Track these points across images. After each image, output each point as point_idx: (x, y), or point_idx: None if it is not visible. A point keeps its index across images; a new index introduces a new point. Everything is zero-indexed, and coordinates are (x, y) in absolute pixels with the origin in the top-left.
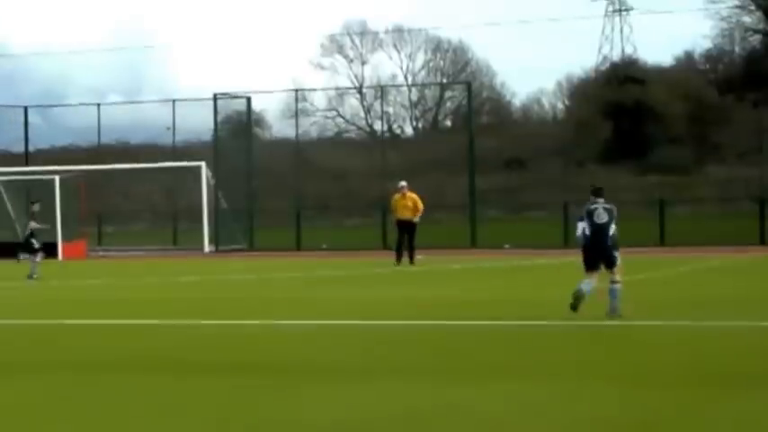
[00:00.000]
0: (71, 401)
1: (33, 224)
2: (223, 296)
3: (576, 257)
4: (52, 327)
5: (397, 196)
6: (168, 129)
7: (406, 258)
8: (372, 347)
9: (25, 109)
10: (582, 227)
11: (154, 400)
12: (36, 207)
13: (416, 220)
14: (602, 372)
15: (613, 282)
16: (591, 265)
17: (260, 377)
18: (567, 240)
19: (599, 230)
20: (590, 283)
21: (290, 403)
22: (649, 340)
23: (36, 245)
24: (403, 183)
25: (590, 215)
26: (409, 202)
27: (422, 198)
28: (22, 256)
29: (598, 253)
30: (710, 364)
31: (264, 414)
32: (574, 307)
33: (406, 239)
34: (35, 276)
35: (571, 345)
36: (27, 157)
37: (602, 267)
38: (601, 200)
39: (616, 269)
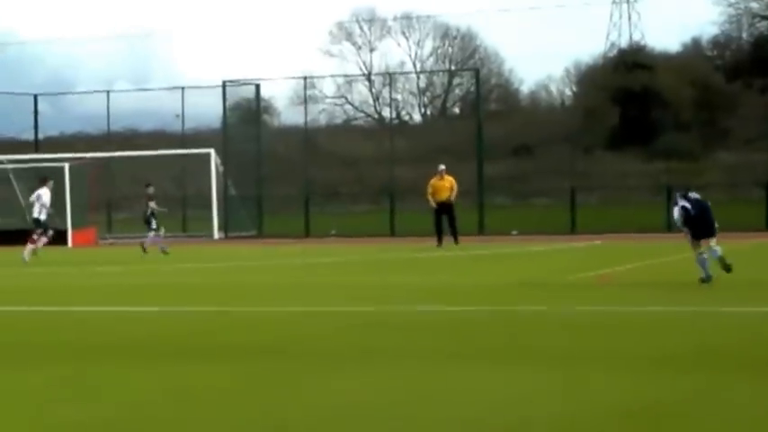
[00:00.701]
0: (76, 387)
1: (153, 205)
2: (231, 282)
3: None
4: (58, 313)
5: (435, 178)
6: (177, 116)
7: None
8: (377, 332)
9: (35, 97)
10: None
11: (158, 385)
12: (151, 189)
13: (453, 198)
14: (609, 357)
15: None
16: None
17: (267, 362)
18: (574, 226)
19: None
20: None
21: (298, 387)
22: (658, 325)
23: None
24: (442, 166)
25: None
26: (447, 184)
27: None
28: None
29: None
30: (719, 349)
31: (271, 398)
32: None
33: (445, 221)
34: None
35: (579, 330)
36: (36, 145)
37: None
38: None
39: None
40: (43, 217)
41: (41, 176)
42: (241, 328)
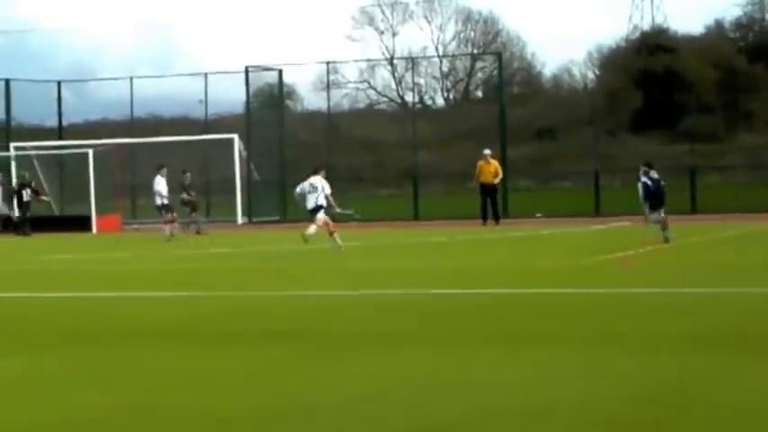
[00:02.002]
0: (100, 372)
1: (185, 196)
2: (253, 267)
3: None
4: (83, 299)
5: (481, 162)
6: (201, 102)
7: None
8: (399, 316)
9: (58, 84)
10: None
11: (180, 371)
12: (188, 177)
13: (497, 182)
14: (633, 338)
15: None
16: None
17: (290, 346)
18: (598, 209)
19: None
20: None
21: (321, 371)
22: (681, 306)
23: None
24: (487, 151)
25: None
26: (492, 168)
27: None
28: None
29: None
30: (742, 330)
31: (294, 383)
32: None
33: (489, 202)
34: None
35: (603, 312)
36: (60, 132)
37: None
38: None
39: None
40: (166, 201)
41: (159, 164)
42: (264, 313)
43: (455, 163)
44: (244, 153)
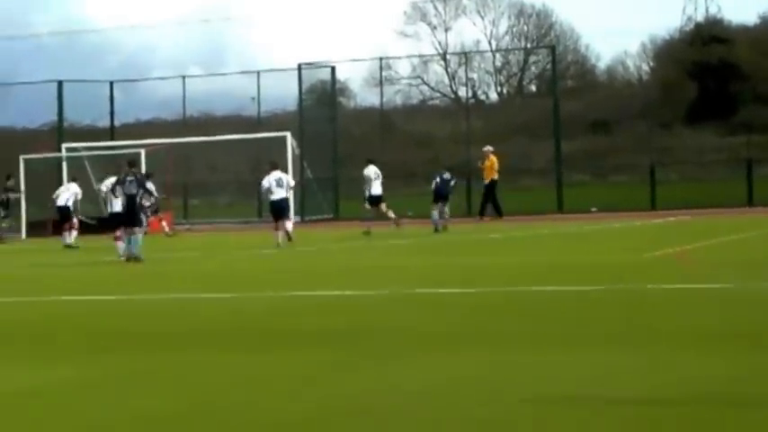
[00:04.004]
0: (146, 378)
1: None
2: (308, 266)
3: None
4: (129, 302)
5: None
6: (253, 99)
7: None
8: (457, 315)
9: (110, 84)
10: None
11: (233, 373)
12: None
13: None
14: (691, 334)
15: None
16: None
17: (346, 346)
18: (654, 203)
19: None
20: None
21: (376, 373)
22: (740, 302)
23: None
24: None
25: None
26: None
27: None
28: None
29: None
30: None
31: (352, 383)
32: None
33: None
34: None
35: (660, 308)
36: (112, 132)
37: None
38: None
39: None
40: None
41: (271, 161)
42: (319, 312)
43: (509, 157)
44: (297, 151)
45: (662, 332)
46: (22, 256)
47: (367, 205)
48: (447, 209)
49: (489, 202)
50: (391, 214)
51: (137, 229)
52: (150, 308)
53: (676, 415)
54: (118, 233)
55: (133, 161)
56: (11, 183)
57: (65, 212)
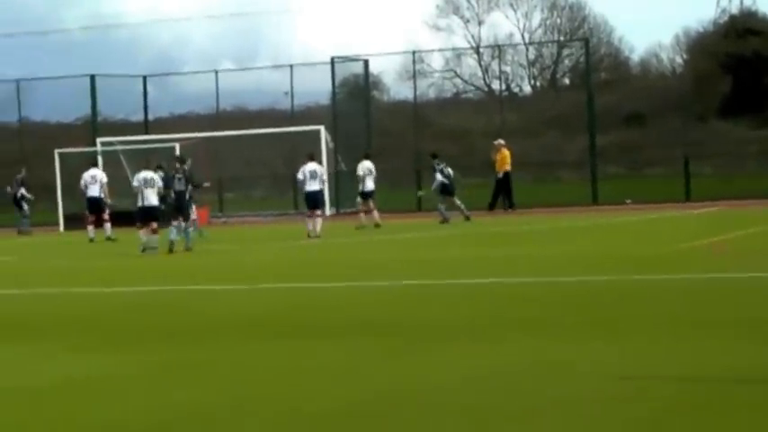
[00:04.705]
0: (186, 368)
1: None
2: (342, 258)
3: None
4: (169, 293)
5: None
6: (286, 93)
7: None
8: (493, 305)
9: (144, 78)
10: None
11: (272, 364)
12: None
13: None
14: (725, 323)
15: None
16: None
17: (379, 336)
18: (688, 195)
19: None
20: None
21: (411, 363)
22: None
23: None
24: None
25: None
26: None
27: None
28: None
29: None
30: None
31: (385, 374)
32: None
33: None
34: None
35: (693, 297)
36: (147, 126)
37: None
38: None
39: None
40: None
41: (309, 153)
42: (359, 303)
43: (543, 151)
44: (331, 144)
45: (695, 320)
46: (68, 249)
47: (359, 199)
48: (459, 201)
49: (502, 195)
50: (376, 214)
51: (187, 222)
52: (191, 300)
53: (708, 402)
54: (155, 225)
55: (182, 158)
56: (21, 176)
57: (96, 204)
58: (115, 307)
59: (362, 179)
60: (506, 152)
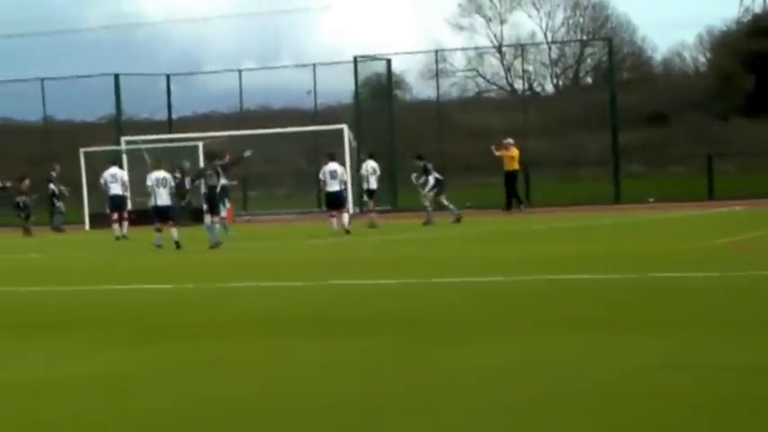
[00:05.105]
0: (214, 363)
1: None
2: (366, 256)
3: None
4: (205, 290)
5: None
6: (309, 93)
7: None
8: (514, 302)
9: (167, 77)
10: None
11: (297, 359)
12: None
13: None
14: (747, 322)
15: None
16: None
17: (406, 333)
18: (711, 193)
19: None
20: None
21: (435, 358)
22: None
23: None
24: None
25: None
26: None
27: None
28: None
29: None
30: None
31: (409, 369)
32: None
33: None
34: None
35: (715, 295)
36: (170, 125)
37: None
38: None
39: None
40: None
41: (329, 152)
42: (376, 300)
43: (565, 150)
44: (354, 143)
45: (717, 317)
46: (96, 246)
47: (366, 198)
48: (448, 202)
49: (508, 194)
50: (374, 215)
51: (216, 218)
52: (218, 296)
53: (727, 400)
54: (171, 223)
55: (213, 154)
56: (53, 174)
57: (118, 202)
58: (143, 303)
59: (366, 178)
60: (515, 151)
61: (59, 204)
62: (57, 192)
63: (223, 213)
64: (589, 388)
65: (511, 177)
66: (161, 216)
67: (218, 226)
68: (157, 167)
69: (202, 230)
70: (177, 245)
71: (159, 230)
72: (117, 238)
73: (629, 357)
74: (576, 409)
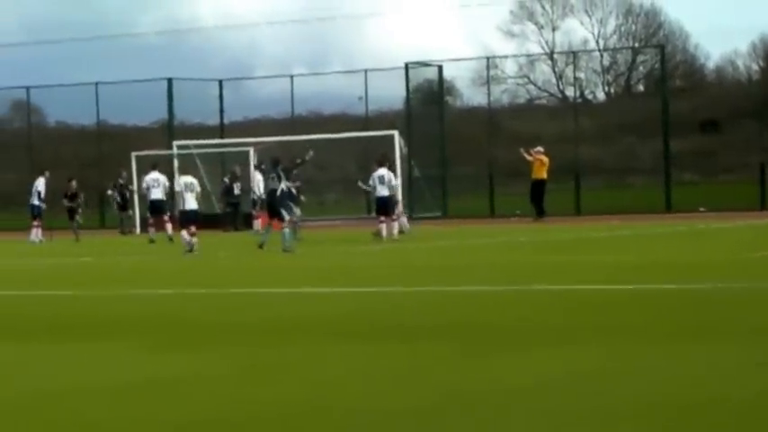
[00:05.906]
0: (264, 368)
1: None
2: (416, 263)
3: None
4: (247, 294)
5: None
6: (360, 99)
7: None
8: (565, 311)
9: (219, 82)
10: None
11: (346, 365)
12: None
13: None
14: None
15: None
16: None
17: (453, 341)
18: (764, 203)
19: None
20: None
21: (482, 366)
22: None
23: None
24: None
25: None
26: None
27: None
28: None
29: None
30: None
31: (456, 377)
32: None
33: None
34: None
35: (766, 306)
36: (222, 129)
37: None
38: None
39: None
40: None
41: (378, 158)
42: (425, 307)
43: (616, 157)
44: (405, 149)
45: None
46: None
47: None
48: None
49: (533, 202)
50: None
51: (282, 222)
52: (267, 301)
53: None
54: (193, 229)
55: (276, 160)
56: (121, 181)
57: (158, 206)
58: (192, 307)
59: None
60: (545, 159)
61: (129, 211)
62: (125, 197)
63: (293, 217)
64: (647, 398)
65: (539, 185)
66: (189, 220)
67: (287, 230)
68: (184, 173)
69: (250, 235)
70: (170, 239)
71: (193, 234)
72: (151, 241)
73: (684, 368)
74: (643, 419)
